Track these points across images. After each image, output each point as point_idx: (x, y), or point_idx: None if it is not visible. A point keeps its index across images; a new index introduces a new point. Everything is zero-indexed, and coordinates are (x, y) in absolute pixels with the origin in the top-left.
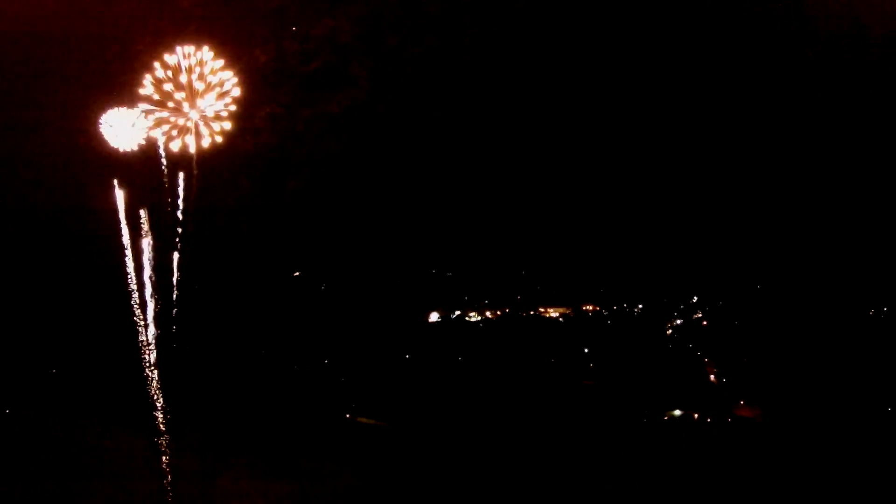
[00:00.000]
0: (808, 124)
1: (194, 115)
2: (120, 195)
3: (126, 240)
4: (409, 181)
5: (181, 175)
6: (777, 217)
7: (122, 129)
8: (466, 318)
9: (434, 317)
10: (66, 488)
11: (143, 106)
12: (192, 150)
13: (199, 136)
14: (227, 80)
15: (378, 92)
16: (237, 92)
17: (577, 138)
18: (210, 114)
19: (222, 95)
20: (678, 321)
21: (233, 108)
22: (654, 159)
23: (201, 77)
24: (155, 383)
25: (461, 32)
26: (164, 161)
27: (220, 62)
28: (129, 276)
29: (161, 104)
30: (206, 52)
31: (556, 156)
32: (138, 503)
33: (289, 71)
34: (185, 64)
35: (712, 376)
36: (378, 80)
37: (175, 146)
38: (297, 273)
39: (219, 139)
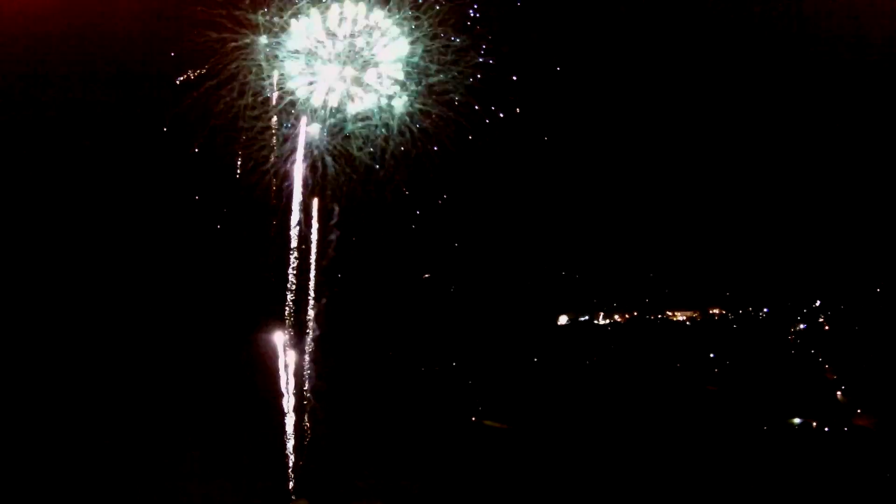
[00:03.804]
0: None
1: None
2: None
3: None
4: (536, 184)
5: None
6: None
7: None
8: (595, 322)
9: (563, 320)
10: (193, 488)
11: None
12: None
13: None
14: None
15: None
16: None
17: (712, 141)
18: None
19: None
20: (801, 326)
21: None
22: (779, 163)
23: None
24: (283, 383)
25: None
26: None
27: None
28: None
29: None
30: None
31: (684, 159)
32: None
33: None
34: None
35: (835, 388)
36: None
37: None
38: (426, 275)
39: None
